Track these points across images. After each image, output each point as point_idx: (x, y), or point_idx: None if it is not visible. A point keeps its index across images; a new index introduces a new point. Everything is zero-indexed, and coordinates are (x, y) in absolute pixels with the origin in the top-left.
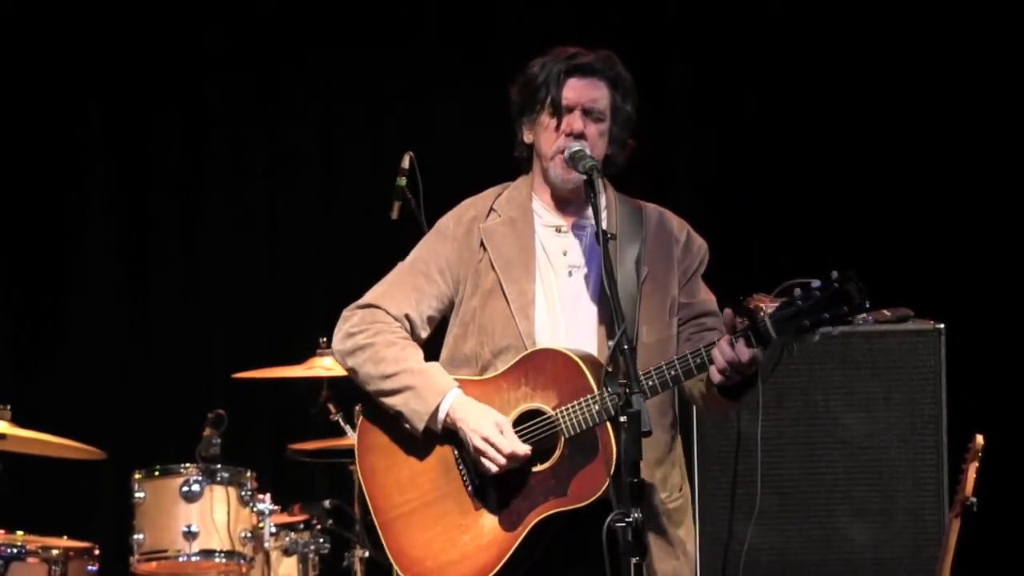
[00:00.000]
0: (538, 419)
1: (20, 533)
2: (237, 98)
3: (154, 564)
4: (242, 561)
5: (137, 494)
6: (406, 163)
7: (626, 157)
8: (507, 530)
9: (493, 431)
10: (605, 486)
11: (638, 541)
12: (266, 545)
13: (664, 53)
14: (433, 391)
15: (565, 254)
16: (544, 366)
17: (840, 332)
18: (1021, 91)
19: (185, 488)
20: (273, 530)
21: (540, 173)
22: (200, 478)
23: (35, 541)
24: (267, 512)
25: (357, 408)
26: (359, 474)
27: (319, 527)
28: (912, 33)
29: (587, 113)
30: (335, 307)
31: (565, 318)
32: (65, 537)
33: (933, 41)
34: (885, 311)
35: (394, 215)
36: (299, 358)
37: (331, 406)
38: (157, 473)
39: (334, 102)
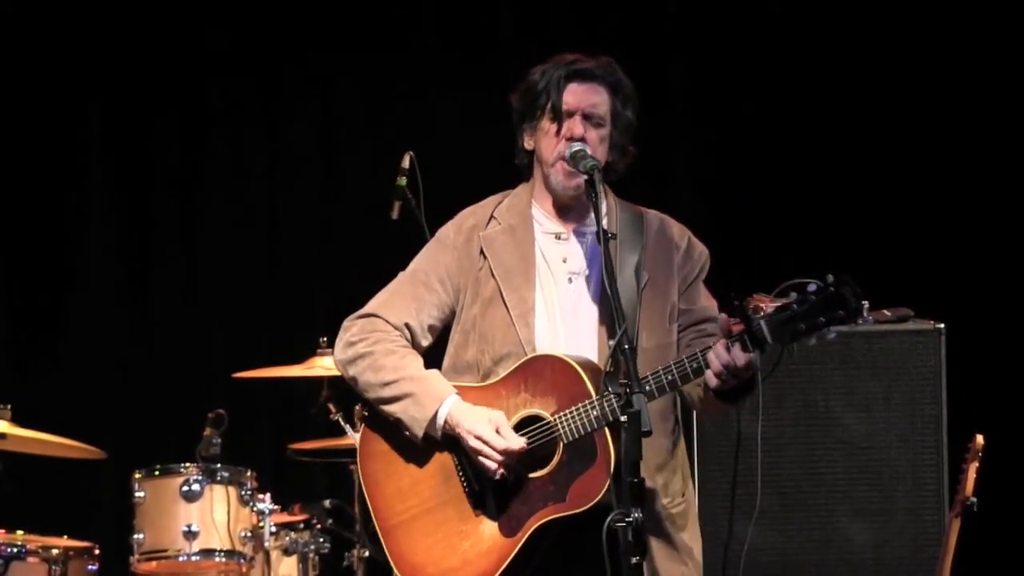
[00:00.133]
0: (537, 425)
1: (20, 533)
2: (237, 98)
3: (154, 564)
4: (242, 561)
5: (137, 494)
6: (406, 163)
7: (627, 164)
8: (507, 536)
9: (487, 429)
10: (603, 492)
11: (638, 541)
12: (266, 545)
13: (664, 53)
14: (432, 398)
15: (565, 261)
16: (543, 372)
17: (840, 332)
18: (1021, 91)
19: (185, 488)
20: (273, 530)
21: (541, 180)
22: (200, 478)
23: (35, 541)
24: (267, 512)
25: (357, 408)
26: (361, 481)
27: (319, 527)
28: (912, 33)
29: (587, 118)
30: (335, 307)
31: (565, 325)
32: (65, 537)
33: (933, 41)
34: (885, 311)
35: (394, 215)
36: (299, 358)
37: (331, 406)
38: (157, 473)
39: (334, 102)
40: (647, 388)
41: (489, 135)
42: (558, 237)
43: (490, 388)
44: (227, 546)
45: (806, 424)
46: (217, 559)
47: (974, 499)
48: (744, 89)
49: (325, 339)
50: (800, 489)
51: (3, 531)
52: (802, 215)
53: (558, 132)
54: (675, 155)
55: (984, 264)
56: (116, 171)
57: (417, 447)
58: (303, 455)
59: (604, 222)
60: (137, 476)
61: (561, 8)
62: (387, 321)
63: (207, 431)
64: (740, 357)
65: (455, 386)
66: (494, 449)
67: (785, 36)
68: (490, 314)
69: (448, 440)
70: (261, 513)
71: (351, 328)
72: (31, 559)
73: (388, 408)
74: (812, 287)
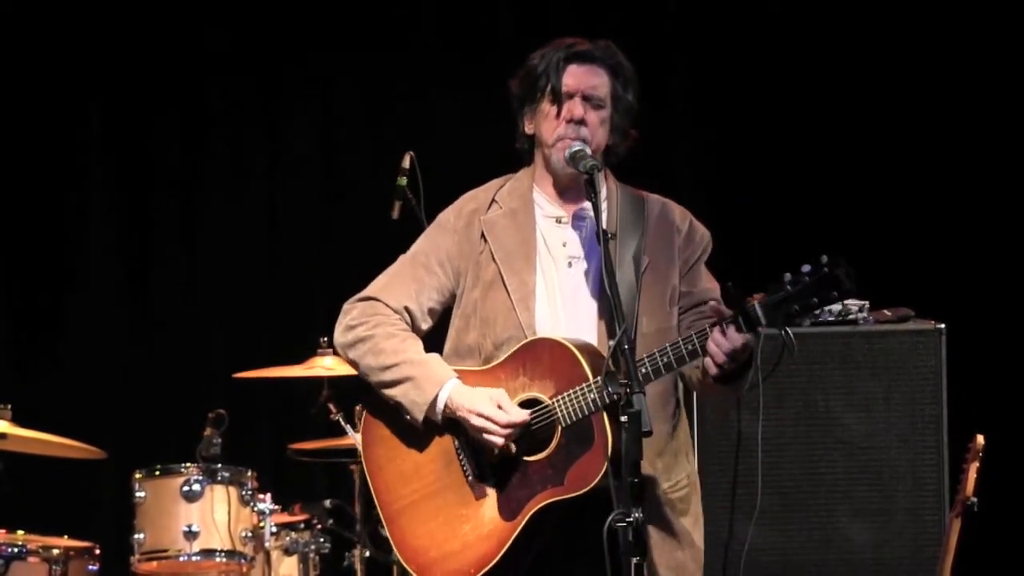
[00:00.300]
0: (535, 408)
1: (21, 533)
2: (237, 98)
3: (155, 564)
4: (243, 561)
5: (138, 494)
6: (407, 163)
7: (628, 147)
8: (507, 519)
9: (488, 406)
10: (600, 475)
11: (638, 541)
12: (267, 545)
13: (664, 53)
14: (432, 381)
15: (565, 245)
16: (541, 356)
17: (840, 332)
18: (1021, 91)
19: (186, 488)
20: (274, 530)
21: (542, 163)
22: (201, 478)
23: (36, 541)
24: (268, 512)
25: (357, 408)
26: (364, 467)
27: (319, 527)
28: (913, 32)
29: (587, 100)
30: (335, 307)
31: (565, 309)
32: (66, 537)
33: (934, 41)
34: (886, 311)
35: (395, 215)
36: (299, 358)
37: (331, 406)
38: (158, 473)
39: (334, 102)
40: (643, 370)
41: (489, 135)
42: (559, 221)
43: (489, 372)
44: (228, 546)
45: (806, 424)
46: (218, 559)
47: (974, 499)
48: (744, 88)
49: (325, 339)
50: (800, 489)
51: (4, 531)
52: (802, 215)
53: (558, 114)
54: (675, 154)
55: (984, 264)
56: (116, 171)
57: (419, 432)
58: (303, 455)
59: (604, 221)
60: (137, 476)
61: (561, 8)
62: (387, 304)
63: (207, 431)
64: (736, 339)
65: (459, 369)
66: (498, 424)
67: (785, 35)
68: (491, 298)
69: (449, 424)
70: (262, 513)
71: (351, 311)
72: (32, 559)
73: (388, 392)
74: (806, 268)
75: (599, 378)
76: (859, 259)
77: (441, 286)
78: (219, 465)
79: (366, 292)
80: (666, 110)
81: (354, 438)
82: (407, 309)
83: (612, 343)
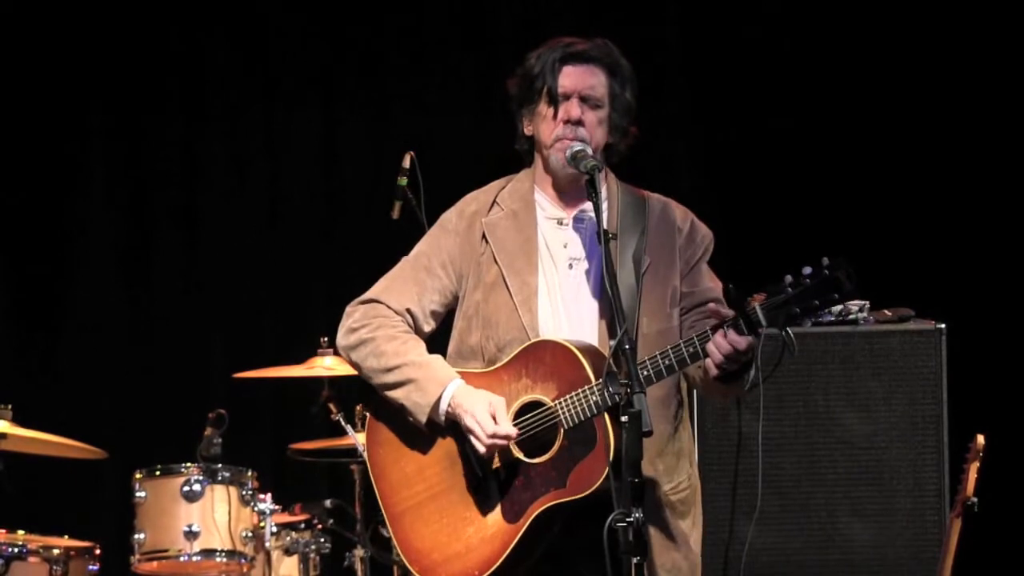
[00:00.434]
0: (538, 411)
1: (21, 532)
2: (237, 98)
3: (155, 564)
4: (243, 561)
5: (138, 494)
6: (407, 163)
7: (628, 145)
8: (510, 522)
9: (483, 411)
10: (602, 478)
11: (639, 541)
12: (267, 545)
13: (664, 53)
14: (434, 383)
15: (566, 247)
16: (543, 358)
17: (841, 332)
18: (1021, 91)
19: (186, 488)
20: (274, 530)
21: (541, 164)
22: (201, 478)
23: (36, 540)
24: (268, 512)
25: (358, 408)
26: (368, 468)
27: (320, 527)
28: (914, 32)
29: (584, 100)
30: (336, 307)
31: (567, 310)
32: (66, 536)
33: (935, 40)
34: (886, 311)
35: (395, 215)
36: (300, 358)
37: (332, 406)
38: (158, 473)
39: (334, 101)
40: (644, 373)
41: (489, 134)
42: (560, 223)
43: (493, 374)
44: (228, 546)
45: (807, 424)
46: (218, 559)
47: (975, 499)
48: (745, 88)
49: (326, 339)
50: (801, 489)
51: (4, 531)
52: (803, 215)
53: (555, 115)
54: (675, 153)
55: (985, 264)
56: (116, 171)
57: (423, 434)
58: (304, 455)
59: (605, 222)
60: (138, 476)
61: (561, 6)
62: (389, 306)
63: (208, 431)
64: (739, 341)
65: (462, 371)
66: (484, 432)
67: (786, 34)
68: (493, 299)
69: (453, 426)
70: (262, 513)
71: (353, 314)
72: (32, 559)
73: (391, 394)
74: (807, 270)
75: (600, 380)
76: (859, 259)
77: (443, 288)
78: (219, 465)
79: (368, 295)
80: (665, 109)
81: (354, 438)
82: (409, 311)
83: (613, 343)
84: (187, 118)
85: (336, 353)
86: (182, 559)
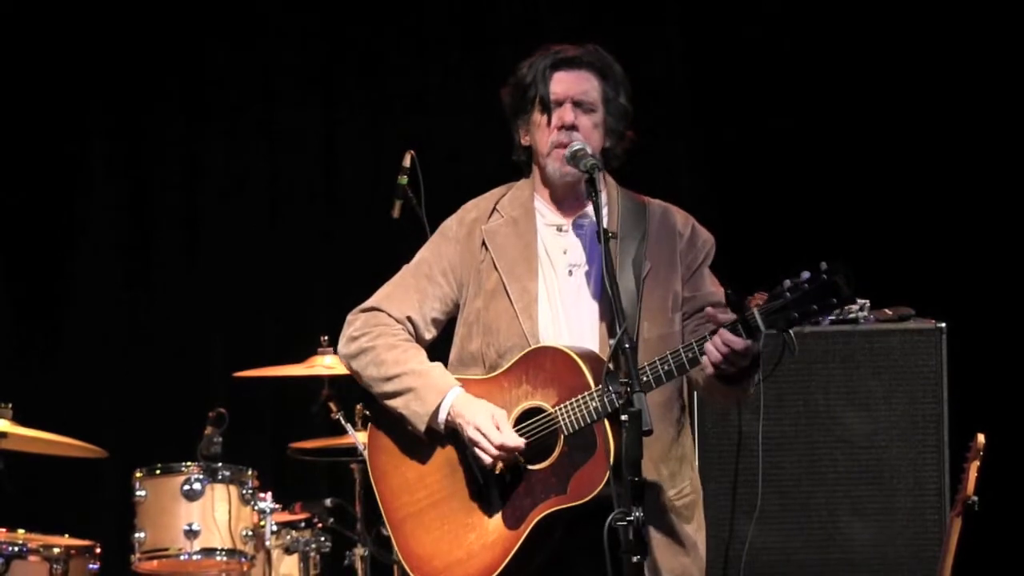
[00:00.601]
0: (538, 417)
1: (21, 531)
2: (237, 98)
3: (155, 562)
4: (243, 559)
5: (138, 492)
6: (407, 162)
7: (625, 149)
8: (511, 528)
9: (487, 422)
10: (603, 484)
11: (639, 540)
12: (267, 543)
13: (664, 53)
14: (433, 391)
15: (565, 253)
16: (543, 364)
17: (841, 332)
18: (1021, 90)
19: (186, 486)
20: (274, 528)
21: (539, 172)
22: (201, 476)
23: (36, 539)
24: (268, 510)
25: (358, 407)
26: (370, 474)
27: (320, 525)
28: (914, 31)
29: (577, 105)
30: (336, 306)
31: (567, 316)
32: (66, 535)
33: (935, 39)
34: (887, 310)
35: (395, 214)
36: (300, 357)
37: (332, 405)
38: (158, 471)
39: (334, 101)
40: (644, 378)
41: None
42: (559, 229)
43: (493, 380)
44: (228, 545)
45: (807, 423)
46: (218, 558)
47: (975, 498)
48: (745, 88)
49: (326, 338)
50: (801, 488)
51: (4, 530)
52: (804, 214)
53: (549, 122)
54: (675, 153)
55: (985, 263)
56: (117, 170)
57: (423, 441)
58: (304, 454)
59: (605, 220)
60: (138, 475)
61: (562, 6)
62: (389, 315)
63: (208, 430)
64: (737, 343)
65: (459, 379)
66: (491, 443)
67: (786, 34)
68: (493, 306)
69: (453, 433)
70: (262, 512)
71: (354, 322)
72: (32, 558)
73: (391, 403)
74: (805, 275)
75: (600, 386)
76: (860, 258)
77: (444, 295)
78: (220, 464)
79: (369, 303)
80: (665, 109)
81: (354, 437)
82: (410, 319)
83: (613, 341)
84: (187, 118)
85: (336, 352)
86: (182, 558)
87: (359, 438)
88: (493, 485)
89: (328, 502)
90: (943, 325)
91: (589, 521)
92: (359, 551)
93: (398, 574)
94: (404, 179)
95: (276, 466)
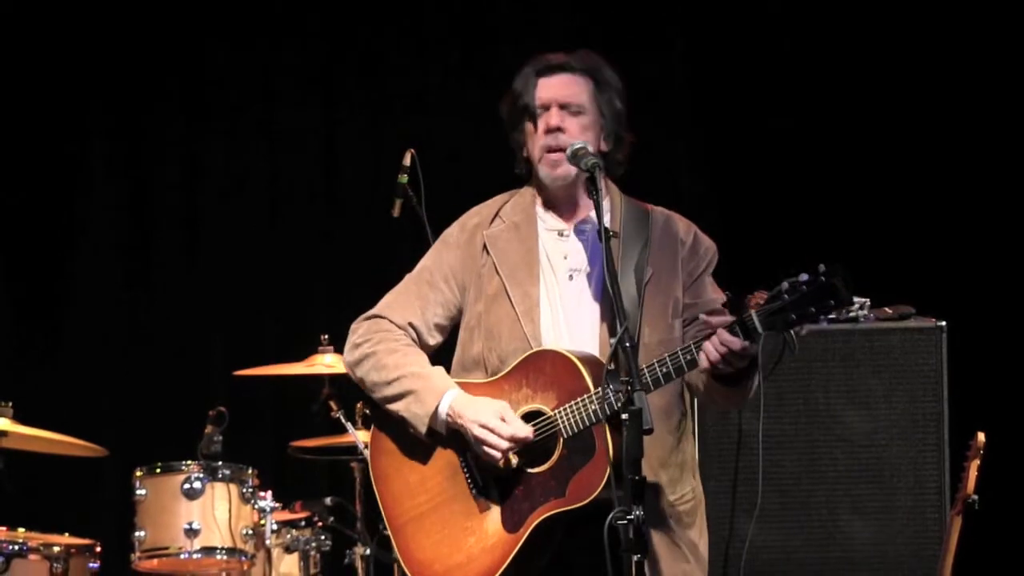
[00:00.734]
0: (538, 420)
1: (22, 530)
2: (237, 97)
3: (155, 561)
4: (243, 558)
5: (138, 491)
6: (408, 160)
7: (627, 155)
8: (510, 532)
9: (492, 418)
10: (601, 486)
11: (639, 539)
12: (267, 542)
13: (665, 54)
14: (432, 393)
15: (566, 258)
16: (543, 367)
17: (841, 330)
18: (1022, 90)
19: (186, 485)
20: (274, 527)
21: (537, 181)
22: (201, 475)
23: (37, 538)
24: (268, 509)
25: (359, 405)
26: (372, 479)
27: (320, 524)
28: (914, 31)
29: (564, 108)
30: (336, 306)
31: (568, 320)
32: (67, 534)
33: (935, 39)
34: (887, 308)
35: (395, 213)
36: (300, 355)
37: (332, 403)
38: (158, 470)
39: (334, 101)
40: (643, 380)
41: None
42: (560, 234)
43: (493, 384)
44: (228, 544)
45: (807, 422)
46: (218, 557)
47: (975, 497)
48: (745, 87)
49: (326, 337)
50: (801, 487)
51: (5, 529)
52: (804, 214)
53: (537, 129)
54: (675, 153)
55: (985, 262)
56: (116, 171)
57: (424, 444)
58: (304, 453)
59: (606, 219)
60: (138, 474)
61: (562, 5)
62: (391, 321)
63: (208, 429)
64: (735, 343)
65: (460, 383)
66: (500, 436)
67: (787, 34)
68: (495, 310)
69: (453, 436)
70: (262, 511)
71: (358, 330)
72: (33, 556)
73: (392, 407)
74: (804, 277)
75: (599, 389)
76: (860, 257)
77: (446, 301)
78: (220, 463)
79: (372, 310)
80: (665, 110)
81: (355, 436)
82: (412, 325)
83: (614, 340)
84: (187, 118)
85: (337, 351)
86: (182, 557)
87: (359, 437)
88: (492, 488)
89: (328, 501)
90: (943, 324)
91: (589, 522)
92: (359, 550)
93: (398, 573)
94: (404, 178)
95: (276, 465)
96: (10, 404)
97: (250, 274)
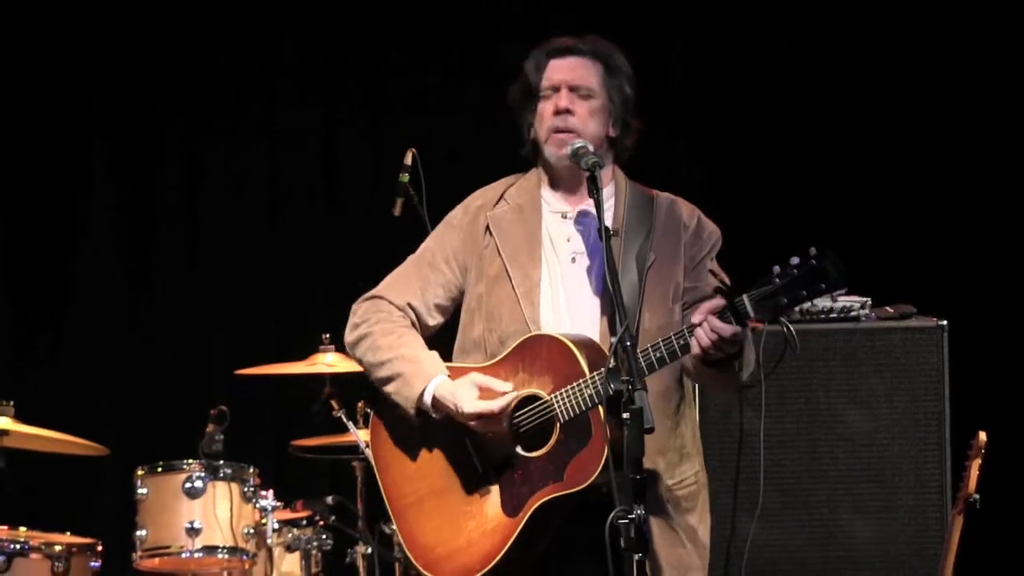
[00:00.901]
0: (535, 405)
1: (23, 529)
2: (237, 97)
3: (157, 560)
4: (245, 557)
5: (140, 490)
6: (409, 159)
7: (634, 139)
8: (509, 516)
9: (470, 403)
10: (598, 470)
11: (640, 538)
12: (269, 541)
13: (665, 53)
14: (420, 376)
15: (569, 240)
16: (539, 352)
17: (843, 329)
18: (1022, 88)
19: (188, 484)
20: (276, 526)
21: (544, 163)
22: (203, 474)
23: (38, 537)
24: (270, 508)
25: (360, 404)
26: (373, 464)
27: (321, 523)
28: (914, 30)
29: (574, 90)
30: (337, 304)
31: (569, 303)
32: (68, 533)
33: (935, 36)
34: (888, 308)
35: (397, 212)
36: (301, 355)
37: (334, 402)
38: (160, 469)
39: (334, 101)
40: (638, 365)
41: (489, 133)
42: (564, 216)
43: (490, 368)
44: (230, 543)
45: (808, 421)
46: (220, 556)
47: (977, 496)
48: (746, 87)
49: (327, 336)
50: (802, 486)
51: (6, 527)
52: (805, 213)
53: (547, 110)
54: (676, 151)
55: (987, 261)
56: (116, 171)
57: (423, 430)
58: (306, 452)
59: (610, 219)
60: (140, 473)
61: (562, 5)
62: (390, 302)
63: (210, 428)
64: (725, 329)
65: (460, 367)
66: (491, 410)
67: (788, 31)
68: (496, 292)
69: (451, 421)
70: (264, 510)
71: (357, 311)
72: (34, 555)
73: (385, 388)
74: (794, 260)
75: (595, 373)
76: (862, 256)
77: (447, 282)
78: (221, 462)
79: (372, 291)
80: (665, 109)
81: (356, 435)
82: (411, 306)
83: (614, 340)
84: (187, 118)
85: (338, 350)
86: (184, 556)
87: (360, 436)
88: (491, 473)
89: (329, 500)
90: (945, 323)
91: (590, 516)
92: (360, 549)
93: (399, 572)
94: (406, 177)
95: (278, 464)
96: (12, 403)
97: (250, 274)
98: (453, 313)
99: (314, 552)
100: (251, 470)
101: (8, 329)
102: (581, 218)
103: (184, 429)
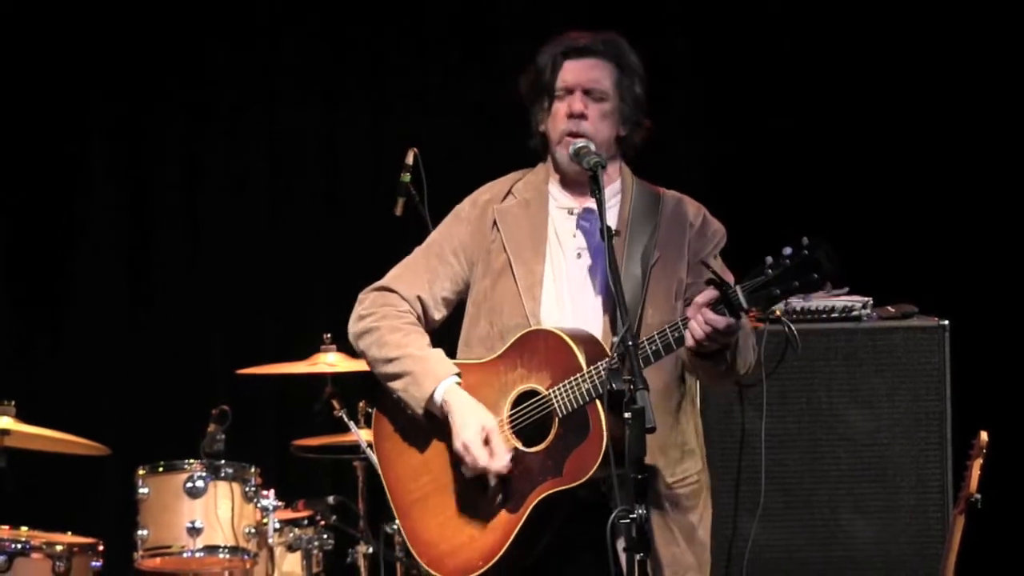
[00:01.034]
0: (533, 400)
1: (24, 529)
2: (237, 97)
3: (158, 560)
4: (246, 557)
5: (141, 490)
6: (410, 159)
7: (643, 138)
8: (510, 512)
9: (475, 439)
10: (597, 465)
11: (641, 537)
12: (270, 541)
13: (666, 54)
14: (430, 377)
15: (575, 236)
16: (537, 347)
17: (844, 329)
18: (1022, 88)
19: (189, 484)
20: (277, 526)
21: (552, 159)
22: (204, 474)
23: (39, 537)
24: (271, 508)
25: (361, 404)
26: (376, 464)
27: (323, 523)
28: (914, 29)
29: (588, 93)
30: (338, 303)
31: (572, 298)
32: (69, 533)
33: (935, 37)
34: (890, 307)
35: (398, 211)
36: (303, 354)
37: (335, 402)
38: (161, 469)
39: (334, 101)
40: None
41: (490, 133)
42: (571, 212)
43: (490, 364)
44: (231, 542)
45: (810, 421)
46: (221, 555)
47: (978, 496)
48: (747, 83)
49: (329, 335)
50: (804, 486)
51: (7, 527)
52: (805, 213)
53: (560, 111)
54: (677, 151)
55: (988, 261)
56: (116, 171)
57: (426, 426)
58: (307, 451)
59: (614, 220)
60: (141, 472)
61: (563, 6)
62: (399, 294)
63: (211, 427)
64: (719, 321)
65: (462, 363)
66: (476, 461)
67: (788, 31)
68: (500, 286)
69: None
70: (265, 509)
71: (364, 301)
72: (35, 555)
73: (391, 385)
74: (787, 251)
75: (592, 368)
76: (863, 256)
77: (454, 275)
78: (222, 461)
79: (380, 282)
80: (669, 103)
81: (357, 434)
82: (419, 298)
83: (616, 339)
84: (187, 118)
85: (339, 350)
86: (185, 555)
87: (362, 435)
88: None
89: (331, 499)
90: (946, 322)
91: (591, 515)
92: (362, 549)
93: (401, 572)
94: (407, 176)
95: (279, 463)
96: (13, 403)
97: (251, 274)
98: (456, 307)
99: (315, 552)
100: (252, 470)
101: (8, 329)
102: (587, 215)
103: (185, 429)
